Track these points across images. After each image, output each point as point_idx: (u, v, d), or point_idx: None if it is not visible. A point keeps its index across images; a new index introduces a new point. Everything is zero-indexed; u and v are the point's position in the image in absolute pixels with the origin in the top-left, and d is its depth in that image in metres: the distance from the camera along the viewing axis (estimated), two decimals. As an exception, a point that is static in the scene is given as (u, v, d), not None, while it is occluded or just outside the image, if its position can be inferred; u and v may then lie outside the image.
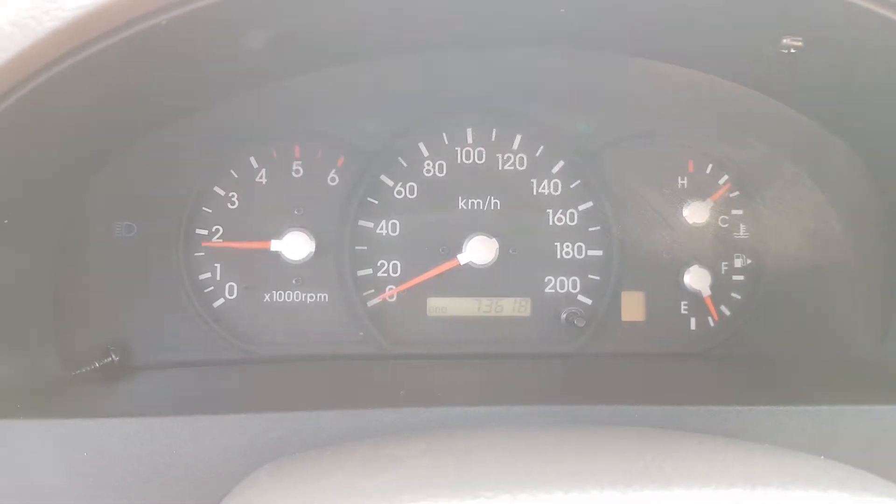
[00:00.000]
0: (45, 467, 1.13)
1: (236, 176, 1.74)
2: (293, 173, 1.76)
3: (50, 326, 1.56)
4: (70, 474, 1.13)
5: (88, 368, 1.57)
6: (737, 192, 1.81)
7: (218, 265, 1.74)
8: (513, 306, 1.79)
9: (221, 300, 1.74)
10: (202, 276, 1.73)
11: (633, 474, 0.80)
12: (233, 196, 1.74)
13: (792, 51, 1.31)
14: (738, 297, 1.81)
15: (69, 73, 0.98)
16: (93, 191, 1.61)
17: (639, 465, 0.83)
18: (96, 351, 1.60)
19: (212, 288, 1.74)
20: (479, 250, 1.74)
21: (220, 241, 1.73)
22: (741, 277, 1.81)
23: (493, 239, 1.75)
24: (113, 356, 1.61)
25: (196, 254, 1.73)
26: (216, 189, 1.74)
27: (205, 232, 1.73)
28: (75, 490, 1.12)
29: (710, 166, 1.81)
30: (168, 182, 1.69)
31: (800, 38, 1.28)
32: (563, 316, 1.76)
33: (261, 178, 1.75)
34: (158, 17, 0.97)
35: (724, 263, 1.81)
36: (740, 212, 1.81)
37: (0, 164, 1.17)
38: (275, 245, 1.70)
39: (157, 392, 1.55)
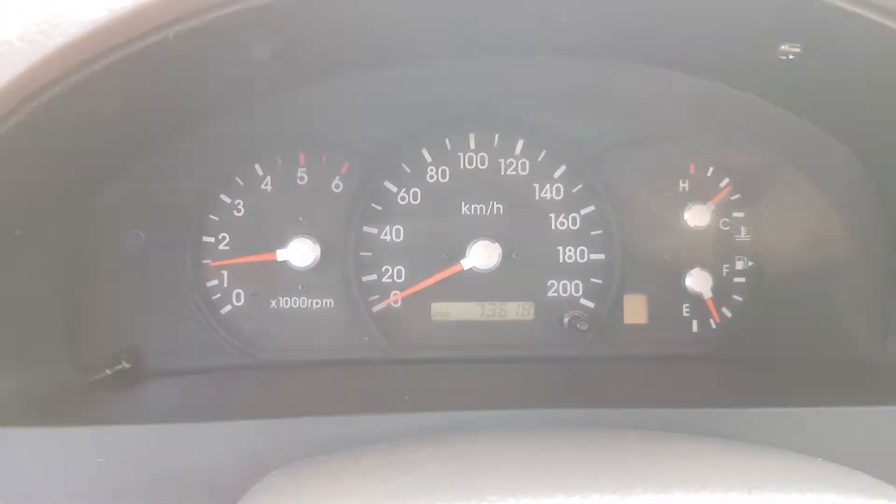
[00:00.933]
0: (59, 475, 1.14)
1: (242, 184, 1.76)
2: (298, 180, 1.77)
3: (62, 334, 1.57)
4: (84, 481, 1.14)
5: (101, 376, 1.59)
6: (737, 195, 1.82)
7: (225, 272, 1.76)
8: (516, 310, 1.80)
9: (229, 307, 1.76)
10: (210, 284, 1.75)
11: (634, 478, 0.81)
12: (239, 204, 1.76)
13: (790, 57, 1.32)
14: (740, 299, 1.82)
15: (77, 87, 1.00)
16: (102, 201, 1.63)
17: (639, 468, 0.84)
18: (108, 358, 1.62)
19: (219, 295, 1.76)
20: (482, 255, 1.74)
21: (227, 247, 1.75)
22: (742, 280, 1.82)
23: (496, 244, 1.75)
24: (124, 363, 1.63)
25: (204, 261, 1.75)
26: (222, 197, 1.75)
27: (212, 240, 1.75)
28: (89, 497, 1.14)
29: (711, 169, 1.82)
30: (175, 191, 1.71)
31: (798, 45, 1.29)
32: (566, 319, 1.77)
33: (266, 185, 1.77)
34: (166, 32, 0.99)
35: (725, 266, 1.82)
36: (741, 214, 1.82)
37: (11, 176, 1.18)
38: (280, 254, 1.72)
39: (168, 398, 1.57)
